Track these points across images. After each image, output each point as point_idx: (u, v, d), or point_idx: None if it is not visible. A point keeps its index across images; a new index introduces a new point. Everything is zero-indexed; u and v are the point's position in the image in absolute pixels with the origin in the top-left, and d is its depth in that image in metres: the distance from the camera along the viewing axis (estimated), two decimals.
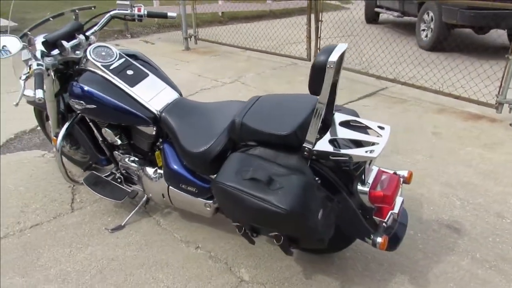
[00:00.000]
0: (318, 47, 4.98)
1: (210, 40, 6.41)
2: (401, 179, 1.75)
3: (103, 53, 2.05)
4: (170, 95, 2.05)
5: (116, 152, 2.26)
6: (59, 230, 2.23)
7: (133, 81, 2.01)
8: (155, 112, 1.97)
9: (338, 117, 1.71)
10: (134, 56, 2.20)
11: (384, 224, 1.63)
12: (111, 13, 2.23)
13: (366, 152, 1.50)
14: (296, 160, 1.60)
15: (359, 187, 1.63)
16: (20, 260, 2.02)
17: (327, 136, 1.61)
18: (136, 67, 2.07)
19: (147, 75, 2.07)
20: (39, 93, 1.67)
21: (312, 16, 4.91)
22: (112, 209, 2.40)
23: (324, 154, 1.56)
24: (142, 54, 2.25)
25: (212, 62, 5.70)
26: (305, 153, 1.57)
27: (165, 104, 2.00)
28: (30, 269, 1.97)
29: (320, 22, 4.86)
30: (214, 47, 6.41)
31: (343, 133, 1.62)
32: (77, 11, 2.25)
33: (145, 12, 2.24)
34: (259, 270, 1.98)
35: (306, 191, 1.48)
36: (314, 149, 1.55)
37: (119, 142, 2.13)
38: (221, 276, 1.94)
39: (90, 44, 2.12)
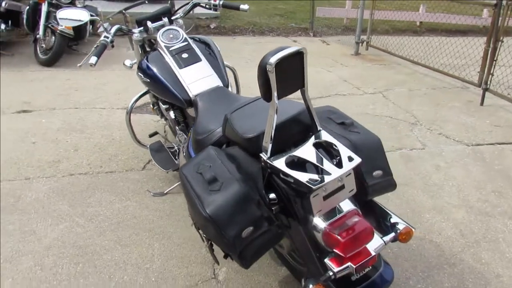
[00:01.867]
0: (492, 72, 4.11)
1: (379, 48, 6.04)
2: (389, 236, 1.41)
3: (171, 35, 2.26)
4: (211, 82, 2.12)
5: (177, 127, 2.47)
6: (121, 181, 2.62)
7: (183, 63, 2.15)
8: (191, 95, 2.08)
9: (324, 136, 1.46)
10: (206, 44, 2.34)
11: (331, 274, 1.33)
12: (194, 1, 2.42)
13: (308, 180, 1.26)
14: (256, 169, 1.47)
15: (316, 221, 1.37)
16: (79, 194, 2.47)
17: (292, 152, 1.40)
18: (192, 51, 2.21)
19: (199, 60, 2.18)
20: (93, 60, 2.00)
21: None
22: (168, 177, 2.65)
23: (276, 170, 1.38)
24: (214, 43, 2.37)
25: (370, 70, 5.38)
26: (262, 163, 1.43)
27: (203, 90, 2.08)
28: (79, 202, 2.39)
29: (500, 43, 3.99)
30: (385, 56, 6.00)
31: (307, 154, 1.39)
32: None
33: (221, 3, 2.35)
34: (238, 275, 1.89)
35: (238, 202, 1.35)
36: (269, 162, 1.39)
37: (172, 116, 2.33)
38: (201, 266, 1.95)
39: None
